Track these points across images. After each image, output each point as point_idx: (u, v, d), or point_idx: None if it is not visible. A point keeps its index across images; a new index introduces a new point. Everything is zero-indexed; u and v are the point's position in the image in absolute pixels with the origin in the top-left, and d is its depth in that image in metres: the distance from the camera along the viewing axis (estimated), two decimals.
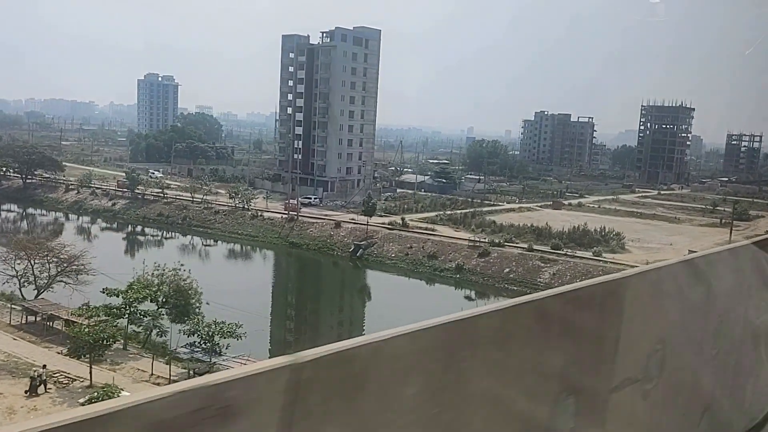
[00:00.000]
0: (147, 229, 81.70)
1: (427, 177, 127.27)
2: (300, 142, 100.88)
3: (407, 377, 1.95)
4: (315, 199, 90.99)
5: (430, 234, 71.74)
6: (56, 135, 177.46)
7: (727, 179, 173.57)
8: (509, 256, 63.74)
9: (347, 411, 1.80)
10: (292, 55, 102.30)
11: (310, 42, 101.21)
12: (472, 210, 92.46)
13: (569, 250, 64.75)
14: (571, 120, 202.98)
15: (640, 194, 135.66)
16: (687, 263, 3.74)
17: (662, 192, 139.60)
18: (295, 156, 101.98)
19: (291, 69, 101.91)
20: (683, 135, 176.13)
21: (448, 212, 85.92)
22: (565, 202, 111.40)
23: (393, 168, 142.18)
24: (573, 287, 2.68)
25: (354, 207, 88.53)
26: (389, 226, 74.31)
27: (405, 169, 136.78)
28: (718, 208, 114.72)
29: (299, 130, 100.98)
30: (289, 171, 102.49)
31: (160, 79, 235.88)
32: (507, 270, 61.55)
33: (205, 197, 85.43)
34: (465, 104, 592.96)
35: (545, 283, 56.83)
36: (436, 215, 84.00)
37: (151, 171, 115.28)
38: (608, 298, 2.91)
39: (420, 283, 63.44)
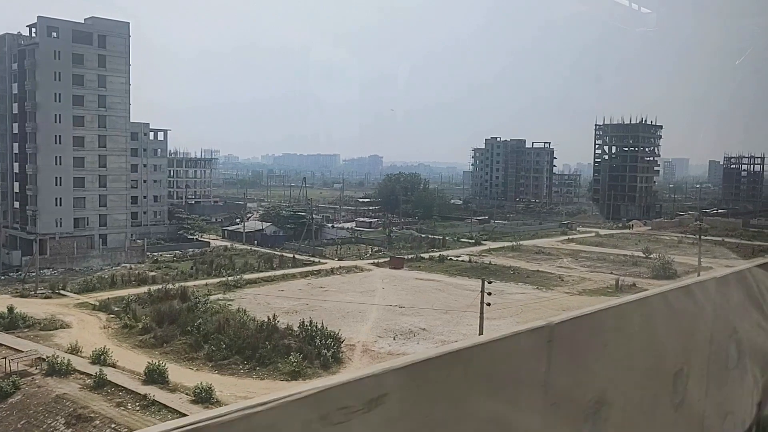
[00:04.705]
0: None
1: (268, 225, 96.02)
2: (18, 184, 70.71)
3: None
4: None
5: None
6: None
7: (708, 210, 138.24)
8: (46, 401, 31.62)
9: None
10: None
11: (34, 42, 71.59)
12: (226, 279, 61.04)
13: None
14: (526, 146, 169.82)
15: (569, 237, 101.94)
16: (683, 289, 3.80)
17: (601, 233, 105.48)
18: (15, 203, 71.84)
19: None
20: (648, 159, 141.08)
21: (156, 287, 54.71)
22: (426, 256, 78.91)
23: (250, 212, 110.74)
24: (577, 313, 2.78)
25: (75, 275, 59.14)
26: None
27: (249, 214, 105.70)
28: (651, 256, 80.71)
29: (18, 167, 70.84)
30: (10, 225, 72.29)
31: None
32: None
33: None
34: (469, 136, 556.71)
35: None
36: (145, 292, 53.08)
37: None
38: (612, 321, 2.99)
39: None
